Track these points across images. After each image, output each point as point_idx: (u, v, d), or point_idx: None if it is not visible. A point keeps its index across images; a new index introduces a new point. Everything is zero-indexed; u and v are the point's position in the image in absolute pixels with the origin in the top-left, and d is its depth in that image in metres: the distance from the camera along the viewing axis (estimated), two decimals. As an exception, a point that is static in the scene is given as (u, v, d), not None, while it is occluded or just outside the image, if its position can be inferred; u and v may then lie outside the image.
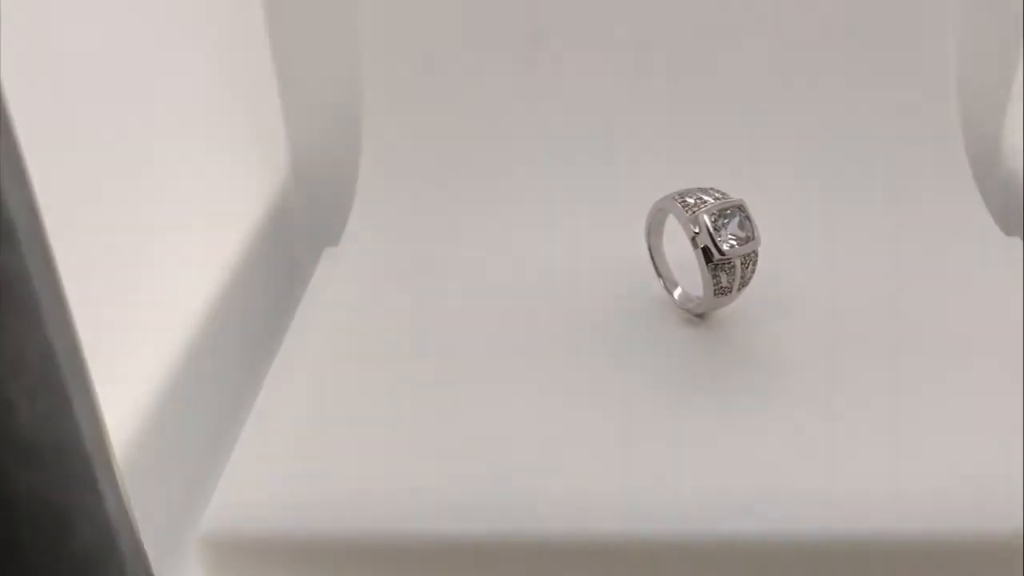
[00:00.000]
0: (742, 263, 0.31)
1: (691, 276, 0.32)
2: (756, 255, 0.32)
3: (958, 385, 0.30)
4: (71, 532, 0.23)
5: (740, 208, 0.32)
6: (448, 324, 0.34)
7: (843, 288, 0.34)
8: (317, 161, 0.47)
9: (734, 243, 0.31)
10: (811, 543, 0.26)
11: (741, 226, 0.31)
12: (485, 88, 0.41)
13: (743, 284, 0.32)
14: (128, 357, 0.32)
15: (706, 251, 0.31)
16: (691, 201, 0.32)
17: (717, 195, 0.32)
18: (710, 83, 0.40)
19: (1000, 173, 0.45)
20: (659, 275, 0.35)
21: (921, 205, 0.38)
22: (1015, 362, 0.31)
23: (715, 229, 0.31)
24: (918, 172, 0.39)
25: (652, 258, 0.35)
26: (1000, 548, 0.25)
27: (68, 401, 0.22)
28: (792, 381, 0.31)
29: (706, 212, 0.31)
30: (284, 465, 0.28)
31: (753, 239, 0.31)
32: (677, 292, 0.34)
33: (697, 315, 0.34)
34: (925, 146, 0.39)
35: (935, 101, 0.40)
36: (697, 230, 0.31)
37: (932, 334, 0.32)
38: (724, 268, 0.31)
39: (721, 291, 0.32)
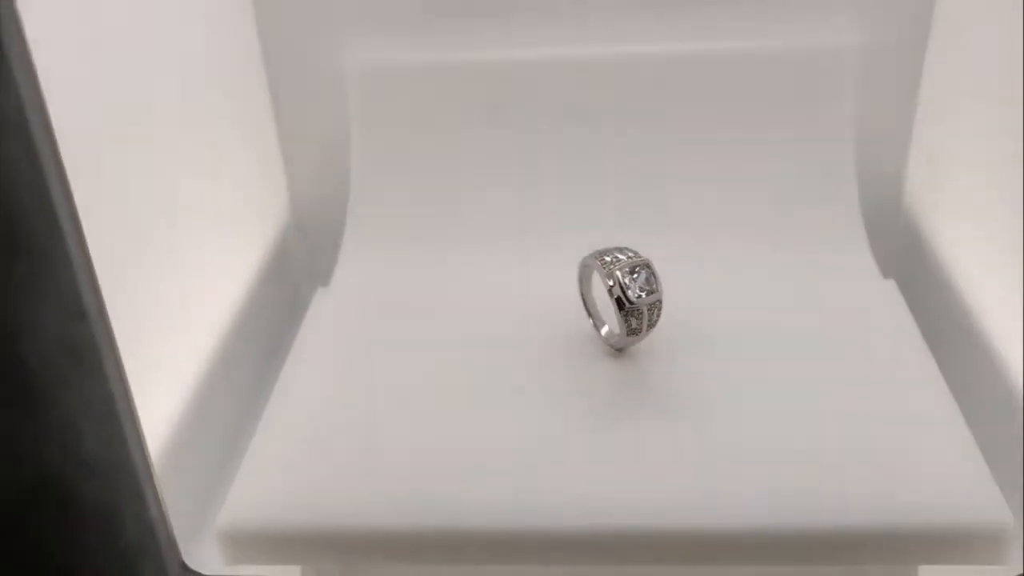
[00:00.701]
0: (648, 309, 0.39)
1: (614, 317, 0.40)
2: (660, 303, 0.39)
3: (826, 403, 0.38)
4: (122, 529, 0.31)
5: (647, 266, 0.39)
6: (421, 353, 0.42)
7: (737, 327, 0.42)
8: (313, 213, 0.55)
9: (642, 294, 0.39)
10: (703, 535, 0.33)
11: (648, 281, 0.39)
12: (454, 158, 0.49)
13: (650, 326, 0.39)
14: (161, 387, 0.40)
15: (619, 301, 0.39)
16: (608, 259, 0.39)
17: (630, 254, 0.39)
18: (632, 157, 0.48)
19: (900, 221, 0.52)
20: (589, 316, 0.42)
21: (814, 257, 0.45)
22: (874, 386, 0.38)
23: (626, 284, 0.38)
24: (813, 228, 0.46)
25: (584, 302, 0.42)
26: (877, 536, 0.33)
27: (122, 431, 0.29)
28: (694, 401, 0.38)
29: (619, 269, 0.39)
30: (285, 470, 0.36)
31: (657, 291, 0.39)
32: (604, 329, 0.42)
33: (617, 349, 0.41)
34: (822, 208, 0.47)
35: (833, 161, 0.48)
36: (612, 283, 0.39)
37: (808, 363, 0.40)
38: (634, 314, 0.39)
39: (632, 332, 0.39)
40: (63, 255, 0.25)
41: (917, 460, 0.35)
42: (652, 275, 0.39)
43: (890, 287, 0.44)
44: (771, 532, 0.33)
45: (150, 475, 0.30)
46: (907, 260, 0.51)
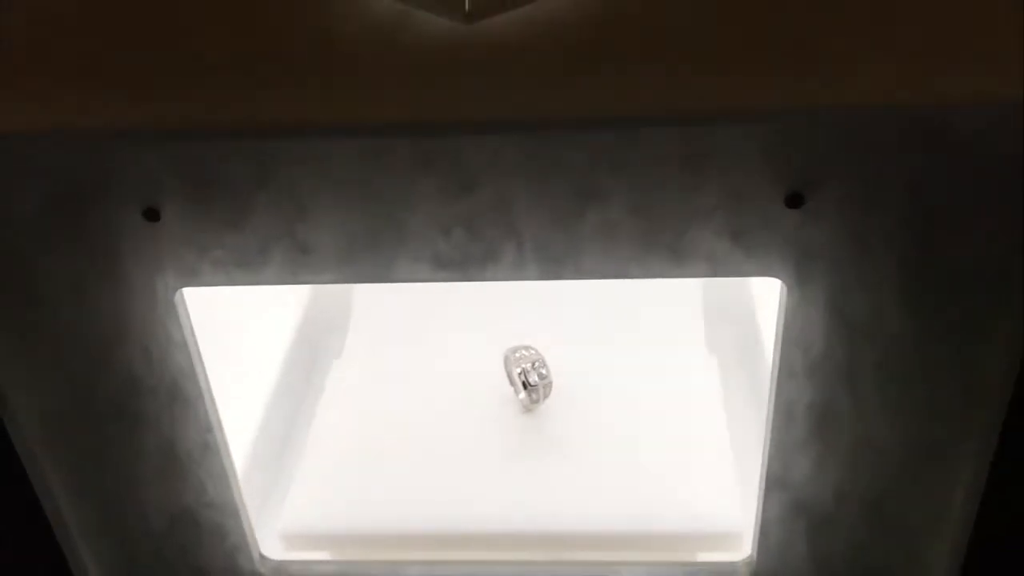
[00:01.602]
0: (543, 387, 0.61)
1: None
2: (551, 383, 0.62)
3: (659, 441, 0.60)
4: (227, 536, 0.54)
5: (542, 360, 0.61)
6: (407, 407, 0.64)
7: (600, 392, 0.64)
8: (327, 314, 0.77)
9: (537, 379, 0.61)
10: (582, 534, 0.56)
11: (542, 368, 0.61)
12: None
13: (545, 397, 0.62)
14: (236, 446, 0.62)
15: (524, 383, 0.61)
16: (517, 355, 0.62)
17: (531, 350, 0.62)
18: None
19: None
20: (512, 385, 0.65)
21: (658, 341, 0.67)
22: (679, 430, 0.60)
23: (527, 372, 0.61)
24: (660, 326, 0.68)
25: (508, 378, 0.65)
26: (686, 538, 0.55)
27: (228, 482, 0.52)
28: (569, 440, 0.61)
29: (525, 362, 0.61)
30: (322, 488, 0.59)
31: (547, 377, 0.61)
32: (520, 396, 0.64)
33: (528, 409, 0.64)
34: (669, 312, 0.69)
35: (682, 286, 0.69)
36: (519, 370, 0.61)
37: (640, 414, 0.62)
38: (533, 391, 0.61)
39: (533, 401, 0.62)
40: (201, 400, 0.48)
41: (694, 485, 0.57)
42: (544, 365, 0.62)
43: (712, 362, 0.67)
44: (597, 531, 0.55)
45: (243, 505, 0.53)
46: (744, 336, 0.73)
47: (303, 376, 0.71)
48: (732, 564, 0.54)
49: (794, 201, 0.40)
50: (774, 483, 0.49)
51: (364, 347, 0.70)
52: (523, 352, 0.62)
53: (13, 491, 0.50)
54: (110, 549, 0.54)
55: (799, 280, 0.42)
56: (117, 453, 0.50)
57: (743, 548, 0.55)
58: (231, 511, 0.53)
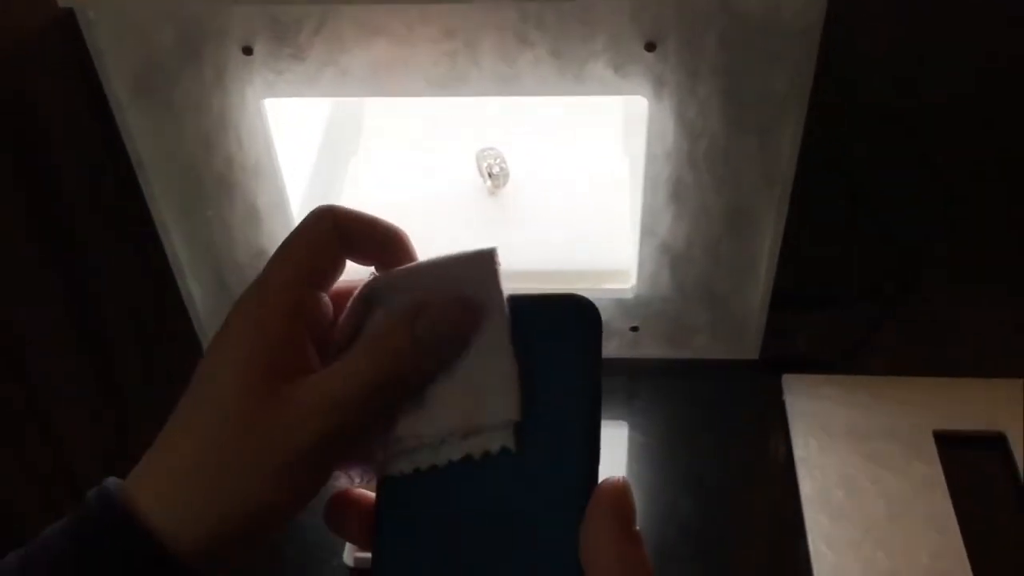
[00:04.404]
0: (502, 176, 0.87)
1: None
2: (508, 174, 0.87)
3: (581, 211, 0.86)
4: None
5: (503, 158, 0.87)
6: (410, 188, 0.90)
7: (542, 180, 0.90)
8: (347, 126, 1.01)
9: (498, 170, 0.87)
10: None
11: (503, 163, 0.87)
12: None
13: (504, 184, 0.88)
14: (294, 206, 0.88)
15: (489, 173, 0.87)
16: (485, 154, 0.87)
17: (495, 150, 0.87)
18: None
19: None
20: (481, 175, 0.90)
21: (589, 157, 0.93)
22: (604, 205, 0.87)
23: (492, 165, 0.86)
24: (594, 149, 0.93)
25: (479, 169, 0.90)
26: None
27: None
28: (520, 209, 0.87)
29: (489, 158, 0.87)
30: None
31: (506, 170, 0.87)
32: (487, 183, 0.90)
33: (492, 194, 0.89)
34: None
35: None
36: (486, 164, 0.87)
37: (575, 195, 0.88)
38: (495, 179, 0.87)
39: (496, 186, 0.87)
40: (275, 173, 0.73)
41: (602, 239, 0.84)
42: (504, 161, 0.87)
43: (623, 156, 0.92)
44: (538, 269, 0.82)
45: (299, 249, 0.79)
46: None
47: (332, 166, 0.96)
48: (623, 290, 0.81)
49: (650, 47, 0.64)
50: (647, 232, 0.76)
51: (375, 149, 0.95)
52: (489, 151, 0.87)
53: (146, 238, 0.77)
54: (209, 277, 0.81)
55: (656, 97, 0.67)
56: (217, 209, 0.75)
57: (631, 281, 0.82)
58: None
